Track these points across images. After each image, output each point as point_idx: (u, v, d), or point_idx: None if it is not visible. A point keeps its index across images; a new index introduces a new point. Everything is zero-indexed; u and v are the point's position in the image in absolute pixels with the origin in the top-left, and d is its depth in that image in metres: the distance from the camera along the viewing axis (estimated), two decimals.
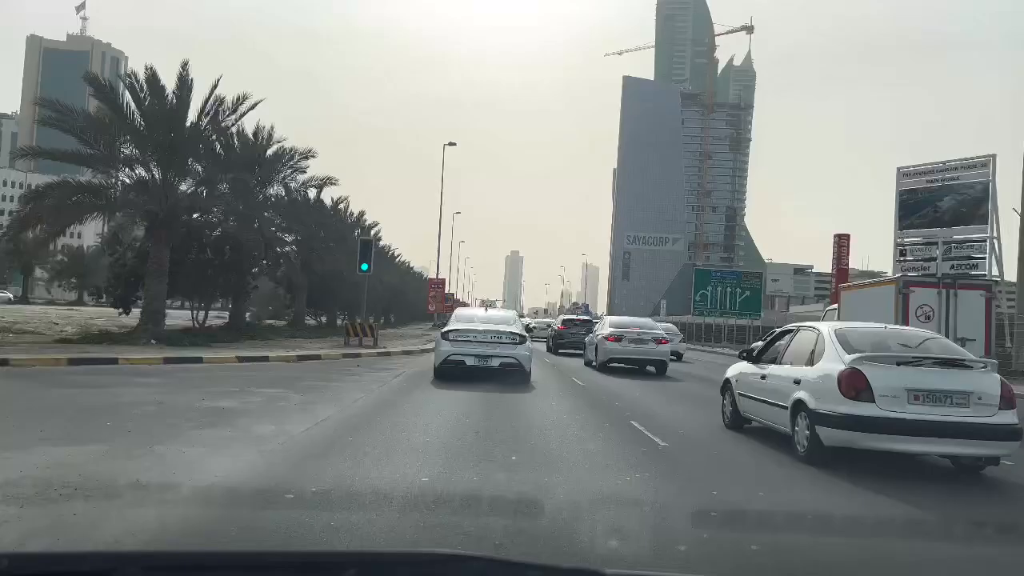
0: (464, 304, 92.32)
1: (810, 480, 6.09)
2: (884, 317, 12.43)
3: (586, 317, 35.72)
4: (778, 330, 8.58)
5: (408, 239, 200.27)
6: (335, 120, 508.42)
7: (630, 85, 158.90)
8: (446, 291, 73.36)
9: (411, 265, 73.10)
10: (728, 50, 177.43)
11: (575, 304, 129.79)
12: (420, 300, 56.42)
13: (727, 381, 8.90)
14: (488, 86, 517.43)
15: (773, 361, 7.77)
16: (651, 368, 17.87)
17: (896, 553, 4.40)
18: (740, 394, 8.35)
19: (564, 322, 29.17)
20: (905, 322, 12.76)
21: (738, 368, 8.78)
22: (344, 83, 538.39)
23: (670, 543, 4.08)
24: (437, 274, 51.94)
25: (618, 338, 17.59)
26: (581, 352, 23.09)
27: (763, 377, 7.74)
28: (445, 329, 13.48)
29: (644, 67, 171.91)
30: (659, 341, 17.81)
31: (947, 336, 12.56)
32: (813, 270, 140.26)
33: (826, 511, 5.19)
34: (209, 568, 1.68)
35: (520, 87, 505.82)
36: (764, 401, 7.58)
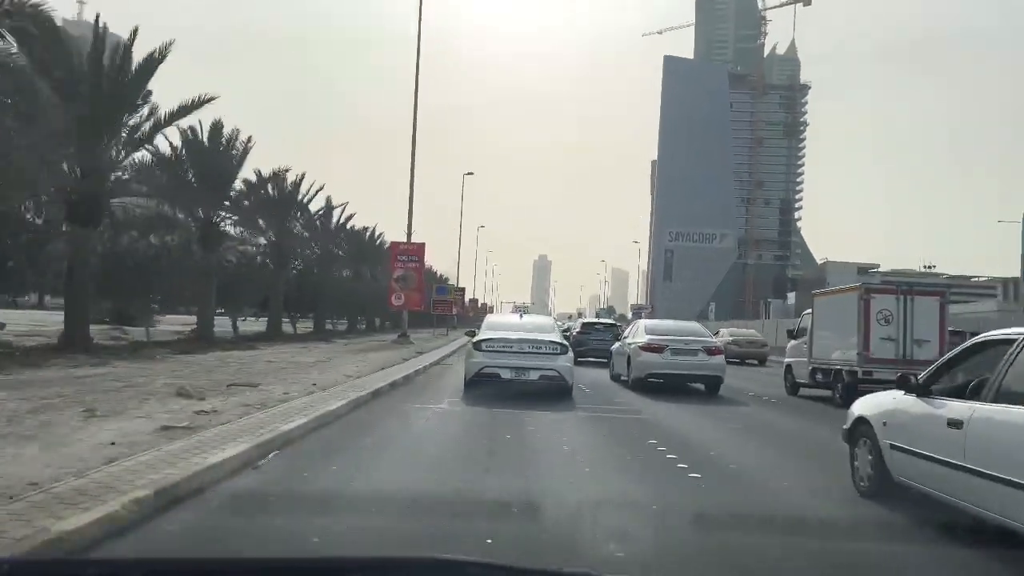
0: (488, 309, 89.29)
1: None
2: (849, 321, 14.30)
3: (609, 320, 33.98)
4: (968, 342, 5.54)
5: (438, 252, 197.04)
6: (353, 123, 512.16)
7: (672, 65, 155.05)
8: (445, 281, 55.83)
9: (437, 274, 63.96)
10: (774, 29, 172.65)
11: (605, 307, 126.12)
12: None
13: (862, 422, 6.01)
14: (508, 88, 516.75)
15: (973, 394, 4.85)
16: (698, 385, 15.13)
17: None
18: (896, 446, 5.44)
19: (584, 325, 27.36)
20: (866, 325, 13.91)
21: (886, 403, 5.83)
22: (364, 86, 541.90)
23: None
24: (409, 235, 31.93)
25: (659, 348, 14.82)
26: (604, 360, 21.08)
27: (955, 423, 4.78)
28: (477, 339, 13.05)
29: (683, 53, 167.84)
30: (711, 351, 15.07)
31: (904, 338, 13.73)
32: (879, 269, 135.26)
33: None
34: (211, 574, 1.71)
35: (542, 81, 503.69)
36: (968, 470, 4.58)
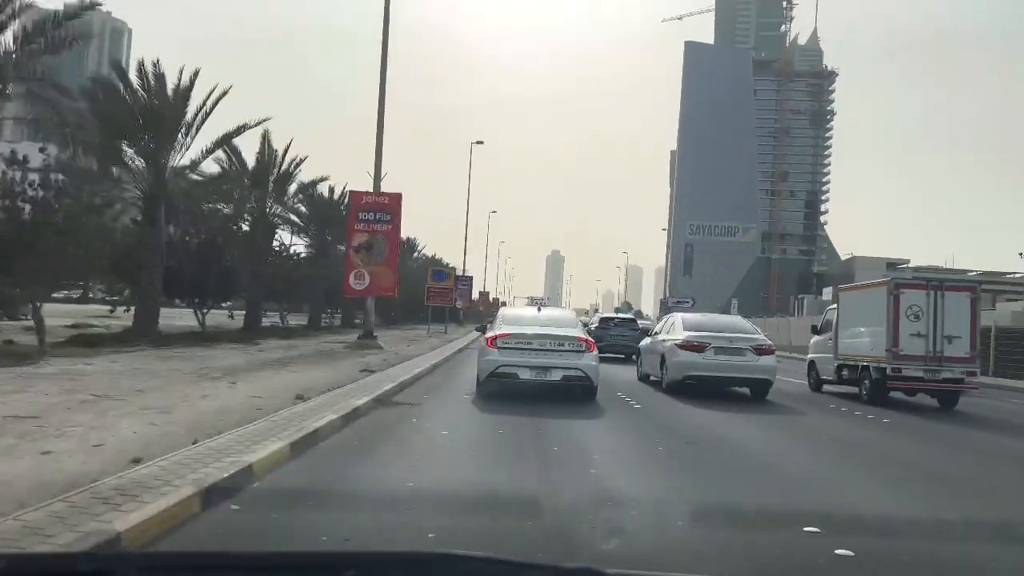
0: (501, 303, 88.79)
1: None
2: (877, 317, 14.39)
3: (629, 315, 34.32)
4: None
5: (448, 249, 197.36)
6: (353, 121, 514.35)
7: (693, 51, 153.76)
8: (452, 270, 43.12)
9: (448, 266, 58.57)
10: (795, 16, 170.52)
11: (624, 302, 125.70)
12: (421, 291, 35.46)
13: None
14: (513, 86, 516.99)
15: None
16: (743, 389, 14.07)
17: None
18: None
19: (603, 320, 28.14)
20: (895, 321, 13.96)
21: None
22: (364, 85, 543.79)
23: None
24: (377, 181, 22.66)
25: (700, 346, 13.61)
26: (623, 357, 21.07)
27: None
28: (492, 334, 12.32)
29: (703, 41, 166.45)
30: (760, 350, 13.78)
31: (934, 334, 13.70)
32: (909, 264, 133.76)
33: None
34: (206, 569, 1.73)
35: (552, 78, 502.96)
36: None
